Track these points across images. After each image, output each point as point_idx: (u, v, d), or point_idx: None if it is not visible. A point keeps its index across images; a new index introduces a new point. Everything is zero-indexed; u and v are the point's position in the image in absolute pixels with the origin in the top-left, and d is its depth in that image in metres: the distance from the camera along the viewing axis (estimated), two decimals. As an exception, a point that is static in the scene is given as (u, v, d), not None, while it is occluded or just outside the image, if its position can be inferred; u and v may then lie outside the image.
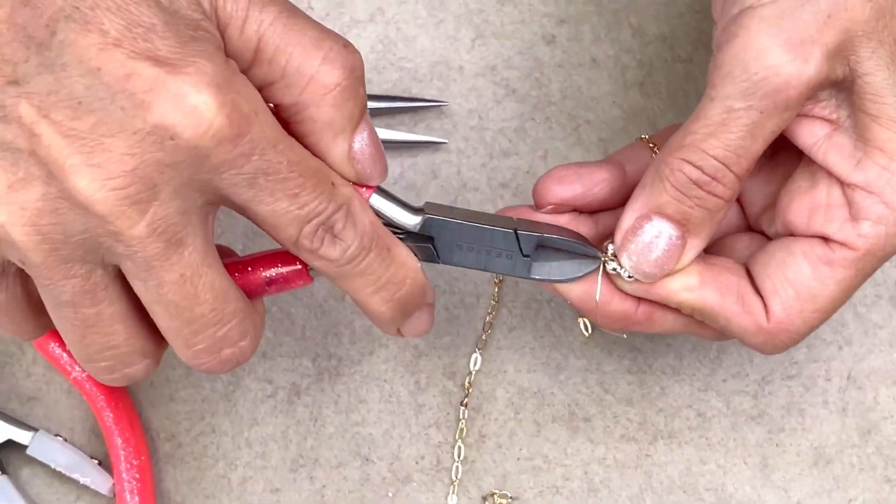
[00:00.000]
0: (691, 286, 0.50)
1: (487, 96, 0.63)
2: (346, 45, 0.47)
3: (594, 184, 0.53)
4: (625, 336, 0.57)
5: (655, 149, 0.55)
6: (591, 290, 0.51)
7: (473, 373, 0.61)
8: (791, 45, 0.46)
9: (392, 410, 0.61)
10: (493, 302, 0.62)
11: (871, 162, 0.48)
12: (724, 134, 0.47)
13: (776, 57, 0.46)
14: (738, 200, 0.55)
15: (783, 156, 0.52)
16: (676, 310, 0.51)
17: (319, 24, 0.47)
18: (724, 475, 0.60)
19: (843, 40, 0.47)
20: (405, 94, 0.63)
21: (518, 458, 0.60)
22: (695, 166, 0.48)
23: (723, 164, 0.48)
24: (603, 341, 0.61)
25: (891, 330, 0.61)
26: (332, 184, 0.47)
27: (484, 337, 0.61)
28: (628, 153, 0.55)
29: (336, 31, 0.48)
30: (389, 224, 0.49)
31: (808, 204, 0.50)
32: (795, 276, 0.50)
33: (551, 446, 0.61)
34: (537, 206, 0.53)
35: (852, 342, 0.61)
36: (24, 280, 0.47)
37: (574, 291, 0.51)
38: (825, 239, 0.50)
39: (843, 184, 0.49)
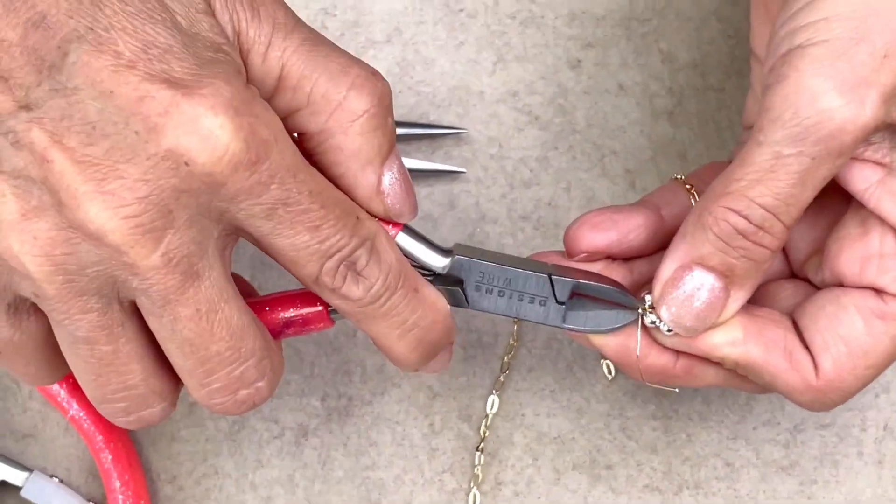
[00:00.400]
0: (735, 340, 0.47)
1: (508, 123, 0.60)
2: (375, 73, 0.45)
3: (630, 230, 0.50)
4: (676, 390, 0.54)
5: (693, 191, 0.52)
6: (627, 343, 0.48)
7: (490, 416, 0.58)
8: (846, 88, 0.44)
9: (404, 454, 0.58)
10: (511, 342, 0.59)
11: None
12: (772, 181, 0.45)
13: (830, 100, 0.44)
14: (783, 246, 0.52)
15: (831, 198, 0.49)
16: (718, 364, 0.48)
17: (346, 51, 0.45)
18: (753, 529, 0.58)
19: None
20: (423, 120, 0.61)
21: (536, 508, 0.58)
22: (741, 215, 0.45)
23: (771, 213, 0.45)
24: (626, 385, 0.58)
25: (930, 378, 0.58)
26: (357, 217, 0.44)
27: (502, 378, 0.58)
28: (664, 195, 0.52)
29: (351, 52, 0.45)
30: (416, 265, 0.46)
31: (859, 253, 0.48)
32: (847, 332, 0.47)
33: (571, 495, 0.58)
34: (569, 254, 0.50)
35: (890, 390, 0.58)
36: (41, 319, 0.44)
37: (610, 344, 0.48)
38: (878, 291, 0.47)
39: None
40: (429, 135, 0.60)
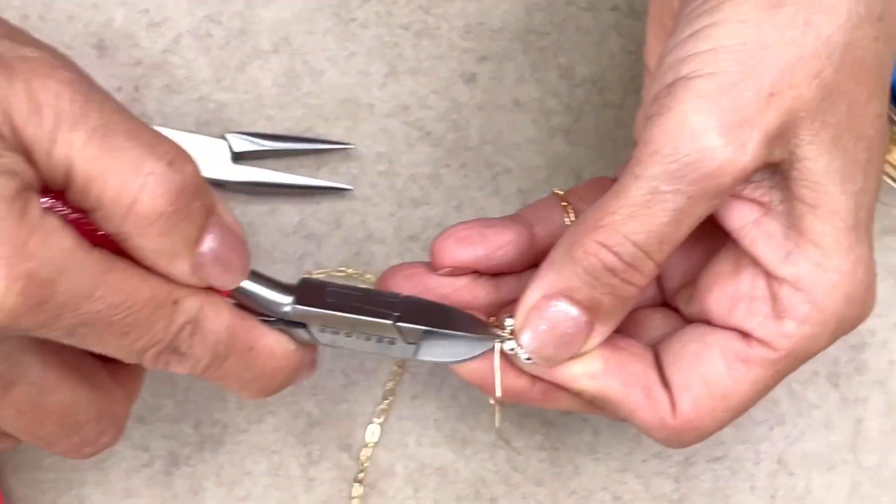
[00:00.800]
0: (594, 373, 0.46)
1: (399, 139, 0.58)
2: (173, 162, 0.40)
3: (499, 246, 0.48)
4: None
5: (570, 209, 0.49)
6: (483, 368, 0.46)
7: (371, 445, 0.56)
8: (728, 127, 0.42)
9: (280, 485, 0.55)
10: (395, 367, 0.56)
11: (803, 256, 0.44)
12: (646, 217, 0.43)
13: (711, 139, 0.42)
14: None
15: (710, 229, 0.47)
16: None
17: (147, 135, 0.40)
18: (640, 566, 0.55)
19: (785, 122, 0.42)
20: (309, 134, 0.58)
21: (416, 542, 0.55)
22: (612, 251, 0.43)
23: (643, 251, 0.43)
24: (513, 414, 0.56)
25: (827, 410, 0.56)
26: (174, 302, 0.42)
27: (384, 405, 0.56)
28: (540, 211, 0.50)
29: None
30: (261, 307, 0.44)
31: (729, 292, 0.46)
32: (709, 373, 0.45)
33: (453, 529, 0.55)
34: (434, 267, 0.49)
35: (785, 422, 0.56)
36: None
37: (465, 370, 0.46)
38: (744, 334, 0.45)
39: (769, 275, 0.45)
40: (315, 150, 0.58)
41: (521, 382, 0.47)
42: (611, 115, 0.58)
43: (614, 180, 0.52)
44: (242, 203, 0.57)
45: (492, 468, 0.56)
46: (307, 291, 0.45)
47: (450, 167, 0.58)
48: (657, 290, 0.50)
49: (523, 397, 0.47)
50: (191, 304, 0.42)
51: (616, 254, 0.43)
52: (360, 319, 0.45)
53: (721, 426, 0.46)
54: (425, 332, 0.45)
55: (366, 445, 0.56)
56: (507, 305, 0.48)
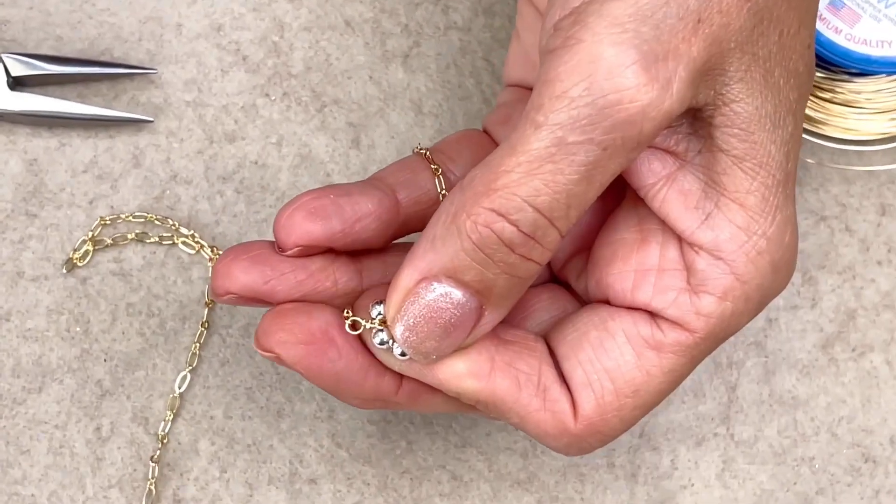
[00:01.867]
0: (479, 372, 0.38)
1: (210, 64, 0.50)
2: None
3: (357, 218, 0.40)
4: None
5: (440, 172, 0.42)
6: (338, 368, 0.39)
7: (170, 419, 0.48)
8: (651, 61, 0.34)
9: (63, 465, 0.47)
10: (201, 328, 0.48)
11: (724, 218, 0.37)
12: (550, 175, 0.34)
13: (630, 77, 0.34)
14: None
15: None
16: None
17: None
18: (482, 555, 0.48)
19: (712, 54, 0.35)
20: (105, 57, 0.50)
21: (222, 530, 0.48)
22: (508, 220, 0.35)
23: (546, 217, 0.35)
24: (338, 382, 0.48)
25: (696, 376, 0.49)
26: None
27: (187, 372, 0.48)
28: (401, 173, 0.42)
29: None
30: None
31: (633, 264, 0.39)
32: (614, 365, 0.38)
33: (265, 515, 0.48)
34: (280, 247, 0.40)
35: (648, 390, 0.49)
36: None
37: (300, 363, 0.39)
38: (653, 315, 0.38)
39: (682, 241, 0.38)
40: (112, 74, 0.50)
41: (385, 384, 0.39)
42: (455, 39, 0.51)
43: (485, 133, 0.44)
44: (25, 137, 0.49)
45: (312, 444, 0.48)
46: None
47: (269, 97, 0.50)
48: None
49: (385, 402, 0.40)
50: None
51: (513, 223, 0.35)
52: None
53: (629, 426, 0.39)
54: None
55: (165, 419, 0.48)
56: (373, 289, 0.39)
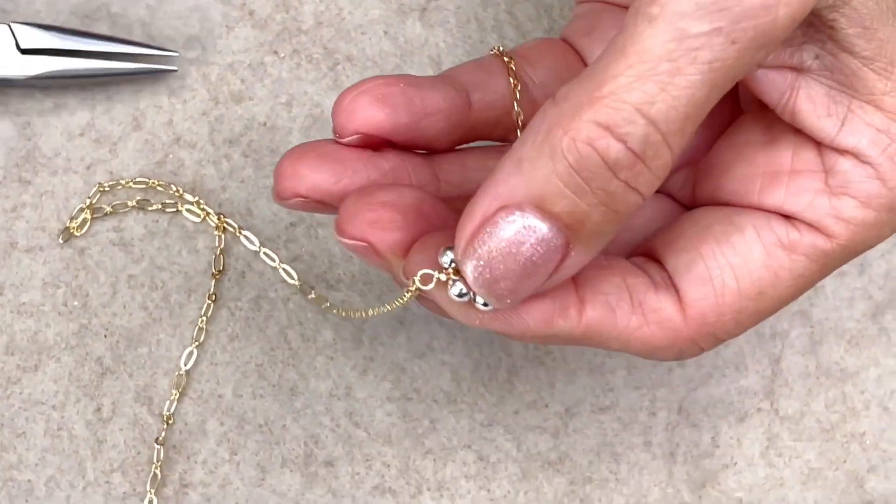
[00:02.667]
0: (566, 310, 0.34)
1: (215, 19, 0.47)
2: None
3: (427, 113, 0.36)
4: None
5: (520, 76, 0.38)
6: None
7: (175, 398, 0.45)
8: None
9: (62, 448, 0.44)
10: (208, 300, 0.45)
11: (863, 121, 0.33)
12: (668, 77, 0.30)
13: None
14: None
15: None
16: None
17: None
18: (511, 541, 0.45)
19: None
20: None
21: (232, 517, 0.44)
22: (615, 136, 0.30)
23: (660, 132, 0.30)
24: (356, 356, 0.45)
25: (737, 348, 0.46)
26: None
27: (194, 348, 0.45)
28: (476, 73, 0.38)
29: None
30: None
31: (762, 166, 0.35)
32: (741, 262, 0.35)
33: (279, 500, 0.45)
34: (337, 133, 0.36)
35: (686, 363, 0.46)
36: None
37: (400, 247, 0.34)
38: (787, 217, 0.35)
39: (820, 146, 0.34)
40: (108, 37, 0.46)
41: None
42: (477, -9, 0.48)
43: (564, 42, 0.41)
44: (17, 98, 0.46)
45: (328, 424, 0.45)
46: None
47: (277, 55, 0.47)
48: None
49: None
50: None
51: (621, 138, 0.30)
52: None
53: (742, 331, 0.36)
54: None
55: (170, 398, 0.45)
56: (431, 235, 0.34)
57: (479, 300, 0.33)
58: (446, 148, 0.38)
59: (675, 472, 0.45)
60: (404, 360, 0.45)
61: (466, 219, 0.32)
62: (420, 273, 0.33)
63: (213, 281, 0.45)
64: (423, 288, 0.33)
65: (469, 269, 0.32)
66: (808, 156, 0.35)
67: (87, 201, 0.45)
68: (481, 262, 0.31)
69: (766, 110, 0.36)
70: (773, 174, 0.35)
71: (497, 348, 0.45)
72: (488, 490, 0.45)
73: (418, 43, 0.47)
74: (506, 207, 0.31)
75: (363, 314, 0.37)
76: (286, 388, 0.45)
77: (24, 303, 0.45)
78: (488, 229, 0.31)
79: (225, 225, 0.45)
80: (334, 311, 0.43)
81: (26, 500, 0.44)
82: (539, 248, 0.31)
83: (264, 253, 0.45)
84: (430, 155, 0.38)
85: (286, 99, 0.47)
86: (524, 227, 0.31)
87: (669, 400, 0.46)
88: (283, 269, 0.45)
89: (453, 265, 0.32)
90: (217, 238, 0.45)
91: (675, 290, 0.35)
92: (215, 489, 0.44)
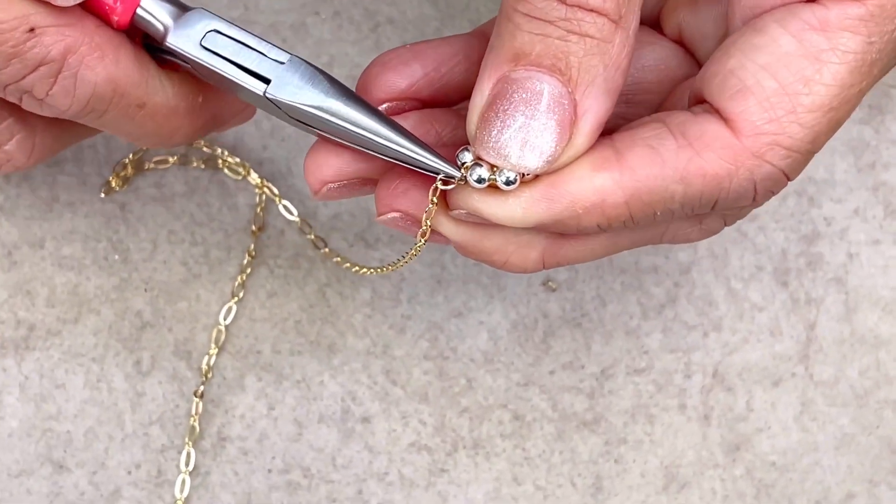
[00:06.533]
0: (608, 161, 0.33)
1: (257, -20, 0.47)
2: None
3: (440, 61, 0.36)
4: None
5: None
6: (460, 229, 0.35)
7: (214, 353, 0.45)
8: None
9: (100, 401, 0.44)
10: (248, 257, 0.45)
11: None
12: None
13: None
14: (677, 41, 0.38)
15: None
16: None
17: None
18: (545, 500, 0.45)
19: None
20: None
21: (269, 471, 0.45)
22: None
23: None
24: (394, 315, 0.45)
25: (773, 313, 0.46)
26: (30, 30, 0.33)
27: (233, 304, 0.45)
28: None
29: None
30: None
31: None
32: (772, 59, 0.32)
33: (315, 455, 0.45)
34: None
35: (722, 328, 0.46)
36: None
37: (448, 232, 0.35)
38: (809, 0, 0.33)
39: None
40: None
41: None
42: (517, -43, 0.48)
43: None
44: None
45: (366, 381, 0.45)
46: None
47: (319, 15, 0.47)
48: (676, 54, 0.38)
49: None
50: (51, 39, 0.33)
51: None
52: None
53: (818, 135, 0.33)
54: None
55: (208, 353, 0.45)
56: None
57: (501, 178, 0.33)
58: None
59: (710, 434, 0.46)
60: (441, 319, 0.46)
61: (469, 111, 0.33)
62: (440, 176, 0.34)
63: (253, 238, 0.46)
64: (444, 188, 0.34)
65: (488, 153, 0.32)
66: None
67: (131, 157, 0.46)
68: (491, 135, 0.32)
69: None
70: None
71: (534, 308, 0.46)
72: (523, 449, 0.45)
73: (459, 6, 0.48)
74: (499, 79, 0.32)
75: (380, 270, 0.38)
76: (324, 345, 0.45)
77: (65, 256, 0.45)
78: (495, 105, 0.32)
79: (265, 190, 0.46)
80: (350, 266, 0.44)
81: (65, 451, 0.44)
82: (539, 100, 0.32)
83: (307, 231, 0.46)
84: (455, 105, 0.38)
85: (327, 59, 0.47)
86: (518, 88, 0.32)
87: (704, 363, 0.46)
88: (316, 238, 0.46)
89: (470, 160, 0.33)
90: (258, 196, 0.46)
91: (717, 113, 0.33)
92: (252, 443, 0.45)
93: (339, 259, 0.45)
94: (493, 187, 0.33)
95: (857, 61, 0.32)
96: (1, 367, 0.44)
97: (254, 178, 0.46)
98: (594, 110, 0.32)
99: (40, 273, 0.45)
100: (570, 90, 0.32)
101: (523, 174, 0.33)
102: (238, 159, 0.46)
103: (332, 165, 0.36)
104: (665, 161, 0.32)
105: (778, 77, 0.32)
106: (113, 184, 0.45)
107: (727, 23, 0.36)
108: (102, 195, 0.45)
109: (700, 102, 0.34)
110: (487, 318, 0.46)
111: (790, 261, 0.46)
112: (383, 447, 0.45)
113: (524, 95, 0.32)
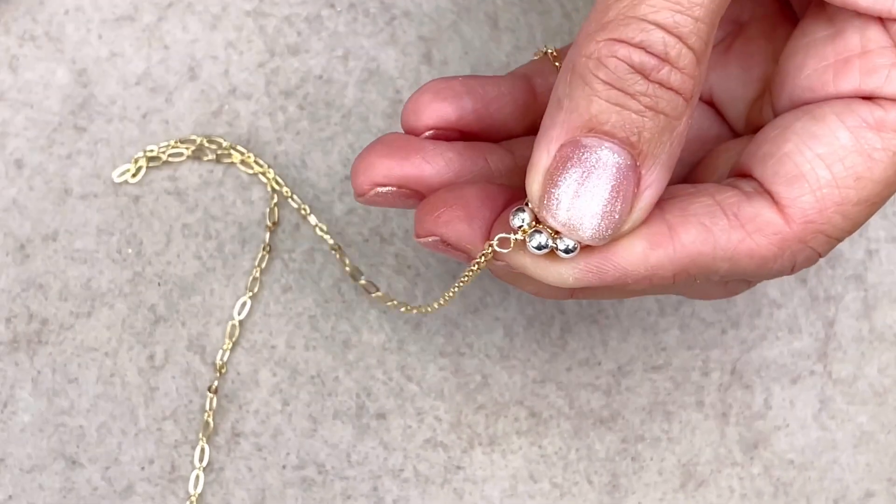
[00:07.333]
0: (660, 238, 0.33)
1: (272, -29, 0.47)
2: None
3: (491, 98, 0.37)
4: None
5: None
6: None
7: (228, 348, 0.44)
8: None
9: (113, 395, 0.44)
10: (263, 251, 0.45)
11: None
12: None
13: None
14: (707, 102, 0.39)
15: (753, 28, 0.37)
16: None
17: None
18: (561, 497, 0.45)
19: None
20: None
21: (284, 467, 0.44)
22: (632, 45, 0.31)
23: (673, 34, 0.31)
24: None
25: (791, 310, 0.46)
26: None
27: (247, 299, 0.45)
28: (534, 66, 0.39)
29: None
30: None
31: (832, 56, 0.35)
32: (829, 150, 0.34)
33: (330, 451, 0.44)
34: (409, 130, 0.37)
35: (740, 324, 0.46)
36: None
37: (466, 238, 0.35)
38: (866, 98, 0.34)
39: (885, 21, 0.34)
40: (166, -18, 0.46)
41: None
42: (534, -50, 0.48)
43: None
44: (73, 46, 0.46)
45: (381, 377, 0.45)
46: None
47: (334, 8, 0.47)
48: (722, 125, 0.39)
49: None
50: None
51: (639, 45, 0.31)
52: None
53: (854, 226, 0.34)
54: None
55: (223, 347, 0.44)
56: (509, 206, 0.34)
57: (561, 246, 0.32)
58: (522, 133, 0.38)
59: (728, 432, 0.45)
60: (457, 314, 0.45)
61: (532, 170, 0.32)
62: (497, 237, 0.33)
63: (268, 232, 0.45)
64: (500, 250, 0.33)
65: (551, 219, 0.32)
66: (875, 34, 0.34)
67: (153, 149, 0.45)
68: (559, 201, 0.32)
69: (823, 6, 0.35)
70: (844, 60, 0.35)
71: (550, 305, 0.45)
72: (540, 446, 0.45)
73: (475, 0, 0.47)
74: (564, 145, 0.32)
75: (426, 309, 0.38)
76: (339, 341, 0.45)
77: (77, 249, 0.45)
78: (557, 172, 0.32)
79: (276, 183, 0.45)
80: (397, 305, 0.44)
81: (78, 446, 0.44)
82: (608, 171, 0.31)
83: (319, 229, 0.45)
84: (508, 141, 0.38)
85: (342, 52, 0.46)
86: (588, 156, 0.32)
87: (723, 360, 0.45)
88: (347, 267, 0.45)
89: (527, 220, 0.33)
90: (271, 192, 0.45)
91: (769, 195, 0.34)
92: (267, 439, 0.44)
93: (380, 295, 0.44)
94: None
95: None
96: (13, 361, 0.44)
97: (270, 173, 0.45)
98: (656, 185, 0.32)
99: (53, 266, 0.44)
100: (638, 164, 0.32)
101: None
102: (253, 155, 0.45)
103: (382, 166, 0.35)
104: (717, 241, 0.33)
105: (832, 169, 0.33)
106: (132, 169, 0.45)
107: (772, 97, 0.37)
108: (116, 179, 0.45)
109: (744, 176, 0.35)
110: (503, 314, 0.45)
111: (809, 257, 0.46)
112: (398, 444, 0.44)
113: (595, 164, 0.31)
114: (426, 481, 0.44)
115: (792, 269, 0.35)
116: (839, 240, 0.35)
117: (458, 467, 0.44)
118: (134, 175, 0.45)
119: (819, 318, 0.46)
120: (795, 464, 0.45)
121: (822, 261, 0.46)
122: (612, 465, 0.45)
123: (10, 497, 0.43)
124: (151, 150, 0.45)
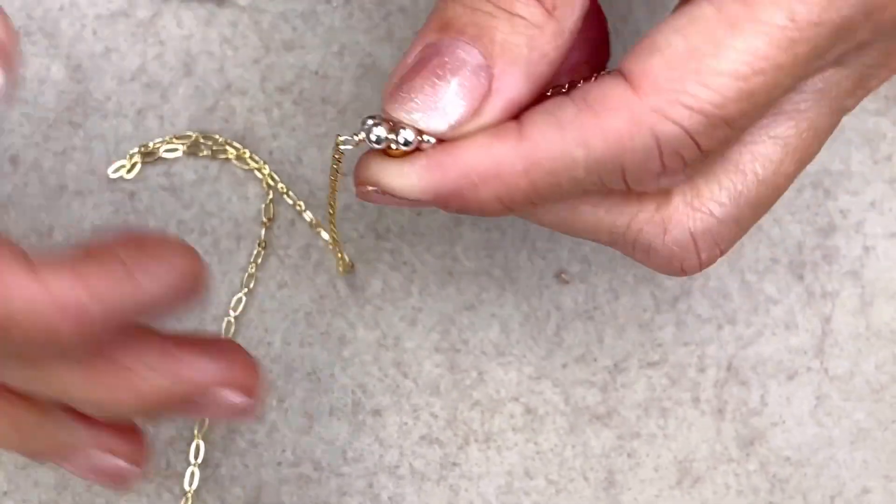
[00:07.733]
0: (504, 130, 0.32)
1: (267, -33, 0.47)
2: None
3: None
4: None
5: None
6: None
7: (224, 344, 0.44)
8: None
9: (108, 392, 0.44)
10: (258, 248, 0.45)
11: None
12: None
13: None
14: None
15: None
16: None
17: None
18: (557, 494, 0.45)
19: None
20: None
21: (279, 464, 0.44)
22: None
23: None
24: (404, 306, 0.45)
25: (788, 306, 0.46)
26: None
27: (242, 295, 0.45)
28: None
29: None
30: None
31: None
32: (688, 21, 0.31)
33: (326, 448, 0.44)
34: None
35: (736, 321, 0.46)
36: None
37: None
38: None
39: None
40: (162, -23, 0.46)
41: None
42: (531, -55, 0.47)
43: None
44: (68, 42, 0.46)
45: (376, 373, 0.45)
46: None
47: (330, 3, 0.47)
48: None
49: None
50: None
51: None
52: None
53: (724, 98, 0.31)
54: None
55: (218, 344, 0.44)
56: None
57: (400, 139, 0.33)
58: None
59: (724, 428, 0.45)
60: (453, 311, 0.45)
61: (391, 76, 0.34)
62: (339, 138, 0.34)
63: (264, 229, 0.45)
64: (342, 147, 0.34)
65: (398, 112, 0.33)
66: None
67: (151, 144, 0.45)
68: (407, 95, 0.33)
69: None
70: None
71: (546, 301, 0.45)
72: (535, 443, 0.45)
73: (471, -5, 0.47)
74: (426, 47, 0.33)
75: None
76: (334, 337, 0.45)
77: (73, 245, 0.44)
78: (411, 70, 0.33)
79: (271, 179, 0.45)
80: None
81: (73, 443, 0.44)
82: (457, 68, 0.32)
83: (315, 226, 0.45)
84: None
85: (338, 48, 0.46)
86: (441, 56, 0.32)
87: (718, 357, 0.45)
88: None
89: (371, 121, 0.33)
90: (266, 188, 0.45)
91: (620, 75, 0.32)
92: (262, 436, 0.44)
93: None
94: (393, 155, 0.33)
95: (776, 33, 0.31)
96: None
97: (264, 171, 0.45)
98: (509, 89, 0.32)
99: (48, 263, 0.44)
100: (489, 63, 0.32)
101: (422, 139, 0.33)
102: (248, 151, 0.45)
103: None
104: (564, 126, 0.32)
105: (689, 39, 0.31)
106: (127, 165, 0.45)
107: None
108: (111, 175, 0.45)
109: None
110: (499, 310, 0.45)
111: (805, 254, 0.46)
112: (394, 440, 0.44)
113: (443, 60, 0.32)
114: (422, 478, 0.44)
115: (659, 151, 0.31)
116: (706, 116, 0.31)
117: (454, 464, 0.44)
118: (129, 171, 0.45)
119: (816, 314, 0.46)
120: (792, 460, 0.45)
121: (818, 255, 0.46)
122: (608, 462, 0.45)
123: (6, 493, 0.43)
124: (146, 147, 0.45)
